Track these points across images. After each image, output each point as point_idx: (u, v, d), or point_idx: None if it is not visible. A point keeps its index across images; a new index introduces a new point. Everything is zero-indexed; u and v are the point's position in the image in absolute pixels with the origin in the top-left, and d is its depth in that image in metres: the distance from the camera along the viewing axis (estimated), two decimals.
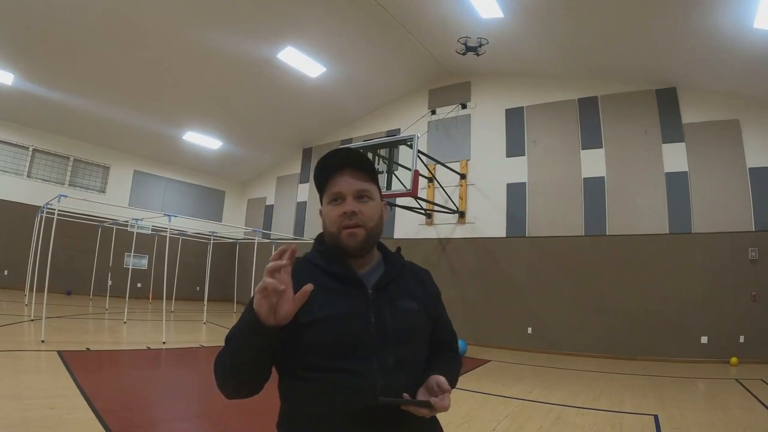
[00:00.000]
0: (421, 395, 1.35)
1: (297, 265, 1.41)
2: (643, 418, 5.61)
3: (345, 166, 1.48)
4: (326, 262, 1.46)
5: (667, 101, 11.52)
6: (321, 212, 1.51)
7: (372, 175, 1.52)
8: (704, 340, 10.17)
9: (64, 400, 4.88)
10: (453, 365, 1.60)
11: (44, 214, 10.22)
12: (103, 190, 17.35)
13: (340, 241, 1.44)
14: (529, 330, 12.09)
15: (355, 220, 1.43)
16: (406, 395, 1.30)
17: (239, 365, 1.29)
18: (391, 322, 1.40)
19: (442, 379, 1.37)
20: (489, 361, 10.11)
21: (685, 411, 5.99)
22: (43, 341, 7.75)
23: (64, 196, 8.90)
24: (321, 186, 1.51)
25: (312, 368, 1.35)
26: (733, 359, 9.67)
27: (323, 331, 1.33)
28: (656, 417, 5.61)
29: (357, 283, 1.44)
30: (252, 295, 1.24)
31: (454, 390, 1.41)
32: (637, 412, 5.92)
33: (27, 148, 15.69)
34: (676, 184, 11.07)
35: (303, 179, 18.76)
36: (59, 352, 7.10)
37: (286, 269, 1.23)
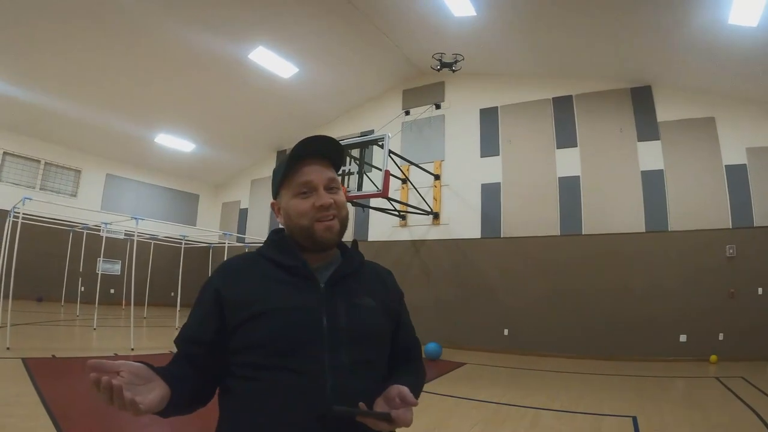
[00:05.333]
0: (380, 406, 1.19)
1: (240, 261, 1.38)
2: (621, 420, 5.44)
3: (315, 154, 1.40)
4: (279, 254, 1.34)
5: (642, 99, 11.48)
6: (276, 206, 1.43)
7: (335, 163, 1.44)
8: (683, 338, 10.09)
9: (21, 408, 4.74)
10: (418, 376, 1.45)
11: (12, 218, 10.05)
12: (74, 194, 16.87)
13: (314, 235, 1.32)
14: (506, 331, 11.91)
15: (331, 211, 1.33)
16: (362, 405, 1.15)
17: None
18: (346, 319, 1.27)
19: (405, 390, 1.20)
20: (464, 363, 9.88)
21: (665, 411, 5.85)
22: (8, 348, 7.61)
23: (28, 198, 8.72)
24: (283, 177, 1.39)
25: (251, 367, 1.20)
26: (713, 357, 9.58)
27: (265, 326, 1.20)
28: (635, 419, 5.45)
29: (309, 276, 1.31)
30: None
31: (423, 394, 1.23)
32: (615, 414, 5.75)
33: None
34: (652, 182, 11.02)
35: None
36: (23, 360, 6.95)
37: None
